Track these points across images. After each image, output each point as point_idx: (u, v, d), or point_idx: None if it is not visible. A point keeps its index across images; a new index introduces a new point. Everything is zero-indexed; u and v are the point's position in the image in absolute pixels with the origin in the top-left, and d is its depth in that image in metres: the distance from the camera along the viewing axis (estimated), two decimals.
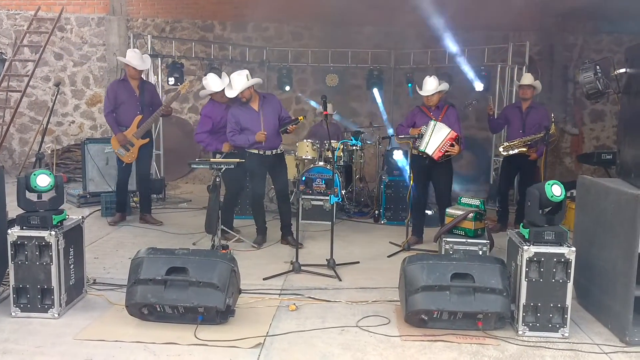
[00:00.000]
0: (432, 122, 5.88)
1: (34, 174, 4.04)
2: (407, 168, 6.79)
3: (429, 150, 5.84)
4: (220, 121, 6.24)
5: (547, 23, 9.68)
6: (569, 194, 4.50)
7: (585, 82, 5.26)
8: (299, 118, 6.00)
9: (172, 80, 8.51)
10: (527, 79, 6.82)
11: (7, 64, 9.57)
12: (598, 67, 5.19)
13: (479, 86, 8.54)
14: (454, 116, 6.06)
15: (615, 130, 10.09)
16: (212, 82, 6.27)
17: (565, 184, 4.21)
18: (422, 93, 6.06)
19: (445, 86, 6.14)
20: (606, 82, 5.21)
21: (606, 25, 9.99)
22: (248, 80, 5.77)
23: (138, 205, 7.39)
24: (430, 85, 6.01)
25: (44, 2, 10.39)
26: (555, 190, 4.02)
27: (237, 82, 5.77)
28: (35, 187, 4.05)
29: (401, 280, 4.11)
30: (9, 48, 10.31)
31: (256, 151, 5.92)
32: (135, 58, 6.64)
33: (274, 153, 6.02)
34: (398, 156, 7.44)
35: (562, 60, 10.39)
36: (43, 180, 4.04)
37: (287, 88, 9.93)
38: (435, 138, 5.82)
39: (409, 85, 9.53)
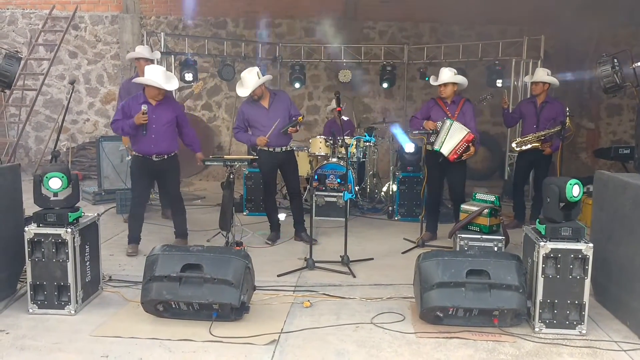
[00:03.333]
0: (448, 121, 5.74)
1: (46, 177, 4.05)
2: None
3: (444, 151, 5.75)
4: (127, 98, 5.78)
5: (562, 16, 9.56)
6: (585, 189, 4.43)
7: (603, 76, 5.21)
8: (299, 119, 5.85)
9: (189, 77, 8.54)
10: (536, 75, 6.65)
11: (22, 62, 9.65)
12: (616, 61, 5.13)
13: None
14: (470, 111, 5.94)
15: (633, 125, 9.95)
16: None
17: (581, 179, 4.14)
18: (435, 83, 5.92)
19: (460, 79, 5.92)
20: (624, 76, 5.15)
21: (623, 18, 9.85)
22: (259, 78, 5.75)
23: (151, 203, 7.42)
24: (445, 75, 5.87)
25: (59, 0, 10.49)
26: (576, 191, 3.91)
27: (249, 81, 5.74)
28: (49, 189, 4.08)
29: (416, 277, 4.08)
30: (24, 47, 10.41)
31: (265, 148, 5.92)
32: (144, 49, 6.81)
33: (283, 150, 6.01)
34: (409, 149, 7.33)
35: (578, 54, 10.26)
36: (55, 183, 4.06)
37: (297, 85, 9.86)
38: (452, 139, 5.70)
39: (427, 79, 9.42)
